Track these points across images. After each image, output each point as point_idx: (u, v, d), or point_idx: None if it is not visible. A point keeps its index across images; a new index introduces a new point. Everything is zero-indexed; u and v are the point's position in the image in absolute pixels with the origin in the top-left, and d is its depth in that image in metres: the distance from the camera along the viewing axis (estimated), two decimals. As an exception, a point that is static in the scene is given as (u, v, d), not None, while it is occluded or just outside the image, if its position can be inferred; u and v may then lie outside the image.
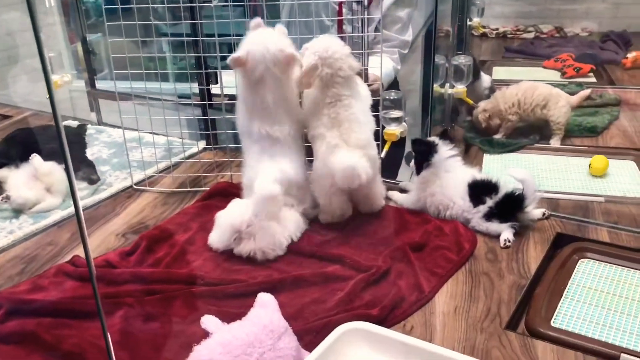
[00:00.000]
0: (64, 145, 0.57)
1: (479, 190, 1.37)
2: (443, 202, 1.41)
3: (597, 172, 1.68)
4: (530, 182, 1.34)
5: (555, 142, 1.94)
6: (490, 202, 1.35)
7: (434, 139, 1.44)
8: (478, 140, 1.97)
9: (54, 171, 1.59)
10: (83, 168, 1.75)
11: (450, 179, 1.40)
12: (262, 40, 1.33)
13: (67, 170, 0.57)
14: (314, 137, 1.37)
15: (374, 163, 1.37)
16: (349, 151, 1.31)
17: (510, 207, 1.34)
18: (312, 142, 1.39)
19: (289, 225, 1.33)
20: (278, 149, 1.37)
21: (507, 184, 1.37)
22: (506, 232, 1.32)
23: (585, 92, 2.06)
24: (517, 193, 1.34)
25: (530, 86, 2.02)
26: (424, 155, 1.40)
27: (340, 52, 1.33)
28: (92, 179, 1.71)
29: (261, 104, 1.35)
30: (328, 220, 1.41)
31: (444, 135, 1.47)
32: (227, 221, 1.31)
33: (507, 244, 1.31)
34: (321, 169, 1.35)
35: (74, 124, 2.11)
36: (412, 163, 1.45)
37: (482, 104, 2.04)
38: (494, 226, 1.34)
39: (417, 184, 1.44)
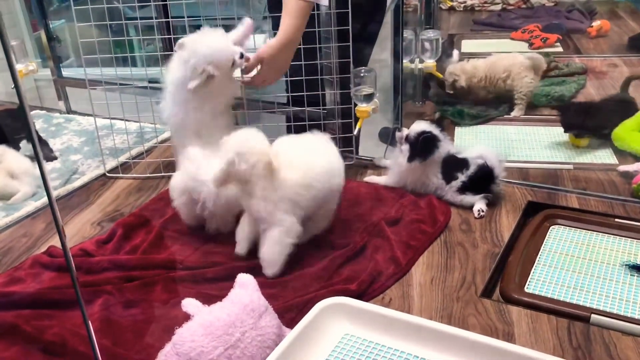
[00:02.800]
0: (34, 135, 0.56)
1: (451, 166, 1.40)
2: (421, 180, 1.43)
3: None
4: (488, 154, 1.38)
5: (516, 113, 1.96)
6: (462, 177, 1.38)
7: (437, 133, 1.40)
8: (449, 112, 1.99)
9: (13, 159, 1.57)
10: (40, 146, 1.75)
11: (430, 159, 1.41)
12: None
13: (37, 159, 0.56)
14: None
15: None
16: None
17: (483, 179, 1.37)
18: None
19: None
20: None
21: (476, 158, 1.39)
22: (479, 203, 1.35)
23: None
24: (488, 165, 1.37)
25: (494, 60, 2.04)
26: (426, 151, 1.38)
27: (258, 147, 1.16)
28: (51, 156, 1.76)
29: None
30: None
31: (440, 122, 1.45)
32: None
33: (481, 213, 1.33)
34: None
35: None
36: (403, 146, 1.41)
37: (451, 67, 2.06)
38: (467, 198, 1.37)
39: (402, 168, 1.43)
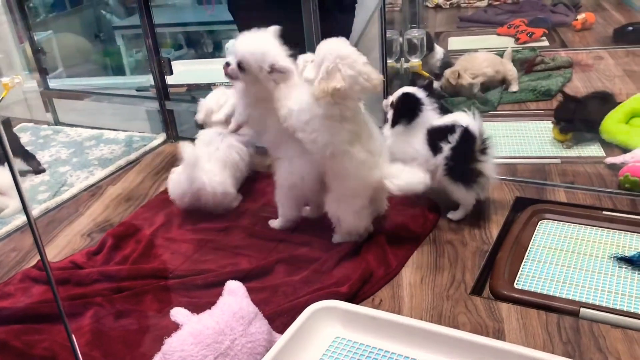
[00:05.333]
0: (7, 150, 0.56)
1: (437, 136, 1.29)
2: (408, 152, 1.32)
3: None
4: (467, 119, 1.28)
5: (514, 88, 2.09)
6: (446, 148, 1.27)
7: (420, 95, 1.34)
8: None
9: None
10: (27, 160, 1.76)
11: (416, 127, 1.33)
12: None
13: (12, 175, 0.56)
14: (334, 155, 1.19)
15: None
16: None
17: (466, 151, 1.26)
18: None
19: None
20: None
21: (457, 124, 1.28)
22: (456, 213, 1.33)
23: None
24: (469, 130, 1.26)
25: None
26: (411, 112, 1.32)
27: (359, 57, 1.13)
28: (39, 168, 1.76)
29: None
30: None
31: (429, 87, 1.38)
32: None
33: (452, 218, 1.33)
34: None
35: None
36: (389, 114, 1.36)
37: (450, 69, 2.11)
38: (459, 192, 1.29)
39: (387, 141, 1.34)
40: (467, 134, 1.26)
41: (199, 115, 1.53)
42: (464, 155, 1.27)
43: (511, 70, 2.13)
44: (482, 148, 1.27)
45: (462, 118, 1.29)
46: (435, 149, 1.29)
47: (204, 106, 1.54)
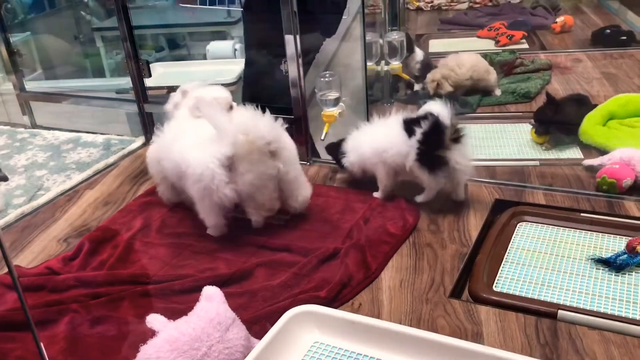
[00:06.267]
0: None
1: (413, 124, 1.32)
2: (384, 145, 1.36)
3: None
4: (440, 110, 1.30)
5: (498, 93, 2.09)
6: (419, 132, 1.30)
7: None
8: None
9: None
10: None
11: (381, 127, 1.39)
12: None
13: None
14: None
15: None
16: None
17: (435, 138, 1.30)
18: None
19: None
20: None
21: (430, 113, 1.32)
22: (422, 196, 1.36)
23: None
24: (440, 119, 1.29)
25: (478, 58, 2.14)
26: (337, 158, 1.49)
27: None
28: (0, 176, 1.69)
29: None
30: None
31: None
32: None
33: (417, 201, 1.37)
34: None
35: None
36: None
37: (430, 76, 2.09)
38: (424, 176, 1.32)
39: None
40: (437, 121, 1.28)
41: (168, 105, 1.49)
42: (433, 142, 1.29)
43: (494, 76, 2.10)
44: (455, 137, 1.29)
45: (434, 107, 1.31)
46: (410, 132, 1.32)
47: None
